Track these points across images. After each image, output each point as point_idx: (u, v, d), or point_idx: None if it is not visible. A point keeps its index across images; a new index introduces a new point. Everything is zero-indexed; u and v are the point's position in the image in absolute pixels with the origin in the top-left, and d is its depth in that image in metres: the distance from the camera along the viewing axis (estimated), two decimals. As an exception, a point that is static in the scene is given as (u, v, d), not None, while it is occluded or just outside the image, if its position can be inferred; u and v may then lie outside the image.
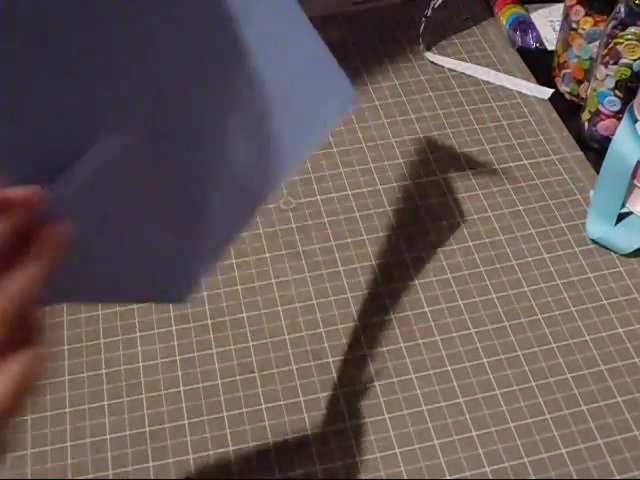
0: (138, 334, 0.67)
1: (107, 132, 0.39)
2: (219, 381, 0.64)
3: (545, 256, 0.73)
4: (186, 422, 0.62)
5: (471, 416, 0.62)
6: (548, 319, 0.68)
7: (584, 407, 0.63)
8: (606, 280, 0.71)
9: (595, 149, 0.81)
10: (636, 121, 0.70)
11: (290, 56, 0.45)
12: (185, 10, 0.42)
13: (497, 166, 0.80)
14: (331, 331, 0.67)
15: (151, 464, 0.60)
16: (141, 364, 0.65)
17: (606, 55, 0.75)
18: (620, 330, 0.68)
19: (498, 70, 0.90)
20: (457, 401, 0.63)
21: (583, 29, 0.80)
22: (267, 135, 0.45)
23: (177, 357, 0.66)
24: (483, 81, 0.89)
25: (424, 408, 0.63)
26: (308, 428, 0.62)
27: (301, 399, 0.63)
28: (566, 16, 0.82)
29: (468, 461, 0.60)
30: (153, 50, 0.41)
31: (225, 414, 0.62)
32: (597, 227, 0.73)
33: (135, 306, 0.69)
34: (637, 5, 0.72)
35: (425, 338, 0.67)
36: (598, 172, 0.73)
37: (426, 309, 0.69)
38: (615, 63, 0.75)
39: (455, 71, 0.90)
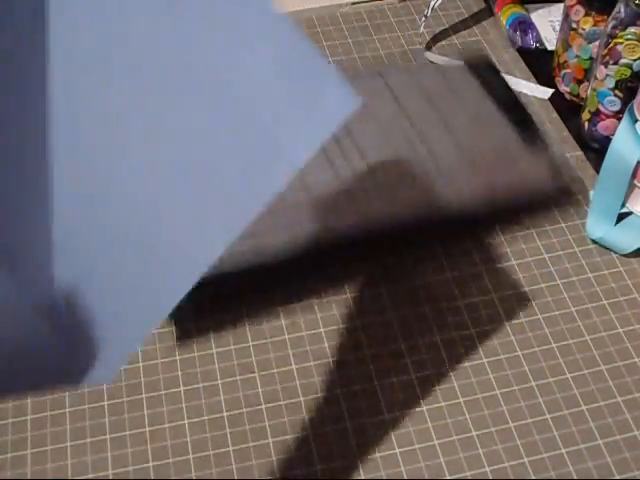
0: (138, 334, 0.67)
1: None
2: (219, 381, 0.64)
3: (545, 256, 0.73)
4: (186, 422, 0.62)
5: (471, 416, 0.62)
6: (548, 319, 0.68)
7: (584, 407, 0.63)
8: (606, 280, 0.71)
9: (595, 149, 0.80)
10: (636, 121, 0.70)
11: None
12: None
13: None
14: (331, 331, 0.67)
15: (151, 464, 0.60)
16: (141, 364, 0.65)
17: (606, 55, 0.75)
18: (620, 330, 0.68)
19: (498, 70, 0.90)
20: (457, 401, 0.63)
21: (583, 29, 0.80)
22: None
23: (177, 357, 0.66)
24: (483, 81, 0.89)
25: (424, 408, 0.63)
26: (308, 428, 0.62)
27: (301, 399, 0.63)
28: (566, 16, 0.82)
29: (468, 461, 0.60)
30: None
31: (225, 414, 0.62)
32: (597, 227, 0.73)
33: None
34: (637, 5, 0.72)
35: (425, 338, 0.67)
36: (598, 172, 0.73)
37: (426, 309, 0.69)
38: (615, 63, 0.75)
39: (455, 71, 0.90)
